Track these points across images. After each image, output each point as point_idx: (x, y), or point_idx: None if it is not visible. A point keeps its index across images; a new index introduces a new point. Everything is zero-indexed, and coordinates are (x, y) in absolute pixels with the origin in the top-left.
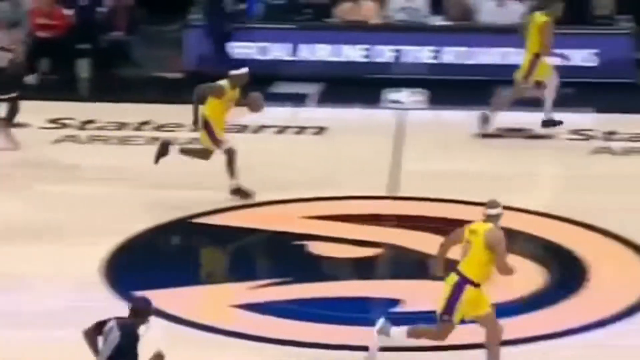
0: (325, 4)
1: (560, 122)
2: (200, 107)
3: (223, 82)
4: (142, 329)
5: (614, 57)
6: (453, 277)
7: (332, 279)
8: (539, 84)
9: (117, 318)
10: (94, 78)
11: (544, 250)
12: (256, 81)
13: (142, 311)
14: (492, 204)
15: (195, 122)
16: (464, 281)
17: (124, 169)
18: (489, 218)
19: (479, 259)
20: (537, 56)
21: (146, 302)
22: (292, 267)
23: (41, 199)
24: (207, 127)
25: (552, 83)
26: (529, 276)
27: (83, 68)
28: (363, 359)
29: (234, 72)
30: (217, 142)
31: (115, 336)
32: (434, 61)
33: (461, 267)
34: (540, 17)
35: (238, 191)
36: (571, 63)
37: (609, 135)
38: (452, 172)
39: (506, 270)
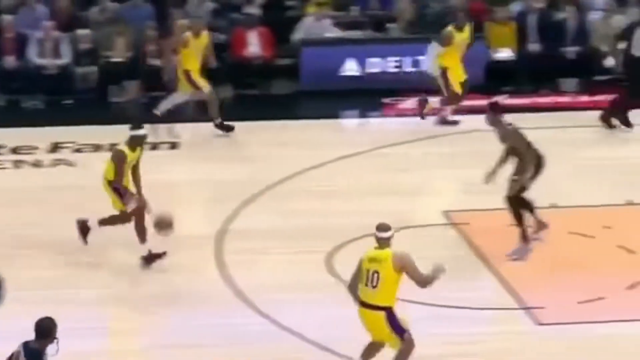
0: None
1: None
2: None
3: (122, 147)
4: (49, 349)
5: None
6: (375, 315)
7: None
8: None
9: (24, 343)
10: None
11: None
12: None
13: (47, 331)
14: (383, 227)
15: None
16: (388, 312)
17: None
18: (383, 241)
19: (390, 285)
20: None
21: (50, 321)
22: None
23: None
24: (115, 189)
25: None
26: None
27: None
28: None
29: (132, 133)
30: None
31: None
32: None
33: (375, 300)
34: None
35: (149, 258)
36: None
37: None
38: None
39: (427, 282)
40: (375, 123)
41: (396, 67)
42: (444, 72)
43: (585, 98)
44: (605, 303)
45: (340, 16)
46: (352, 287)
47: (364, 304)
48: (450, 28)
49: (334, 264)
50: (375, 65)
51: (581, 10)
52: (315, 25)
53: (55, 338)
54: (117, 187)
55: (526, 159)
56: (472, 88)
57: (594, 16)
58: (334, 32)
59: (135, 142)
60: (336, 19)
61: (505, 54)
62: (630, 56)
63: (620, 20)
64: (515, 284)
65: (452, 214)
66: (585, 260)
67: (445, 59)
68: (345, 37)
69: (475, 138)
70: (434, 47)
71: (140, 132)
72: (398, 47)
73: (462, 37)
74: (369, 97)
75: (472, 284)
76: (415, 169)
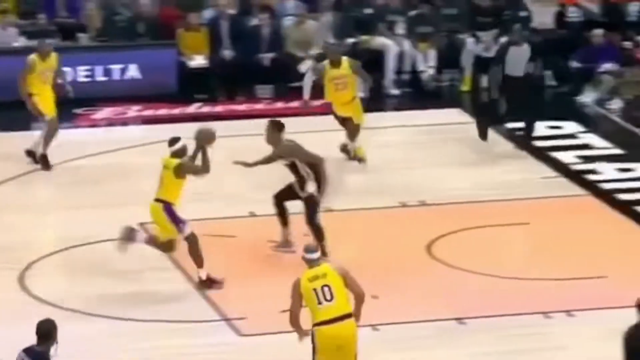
0: None
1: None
2: None
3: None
4: (52, 350)
5: None
6: (351, 322)
7: None
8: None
9: (25, 349)
10: None
11: None
12: None
13: (49, 333)
14: (311, 249)
15: None
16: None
17: None
18: (313, 262)
19: (345, 298)
20: None
21: (50, 322)
22: None
23: None
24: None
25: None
26: None
27: None
28: None
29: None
30: None
31: None
32: None
33: (344, 310)
34: None
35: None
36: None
37: None
38: None
39: (363, 293)
40: (68, 134)
41: (87, 76)
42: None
43: (280, 104)
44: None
45: (26, 25)
46: (296, 317)
47: (334, 320)
48: None
49: (26, 281)
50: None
51: (275, 16)
52: (1, 34)
53: (56, 340)
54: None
55: (319, 171)
56: (165, 97)
57: (287, 22)
58: (21, 42)
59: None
60: (22, 28)
61: (198, 61)
62: (505, 77)
63: (313, 26)
64: (215, 296)
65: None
66: (286, 268)
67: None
68: (32, 47)
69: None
70: None
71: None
72: (89, 56)
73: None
74: (60, 107)
75: (172, 296)
76: (112, 180)
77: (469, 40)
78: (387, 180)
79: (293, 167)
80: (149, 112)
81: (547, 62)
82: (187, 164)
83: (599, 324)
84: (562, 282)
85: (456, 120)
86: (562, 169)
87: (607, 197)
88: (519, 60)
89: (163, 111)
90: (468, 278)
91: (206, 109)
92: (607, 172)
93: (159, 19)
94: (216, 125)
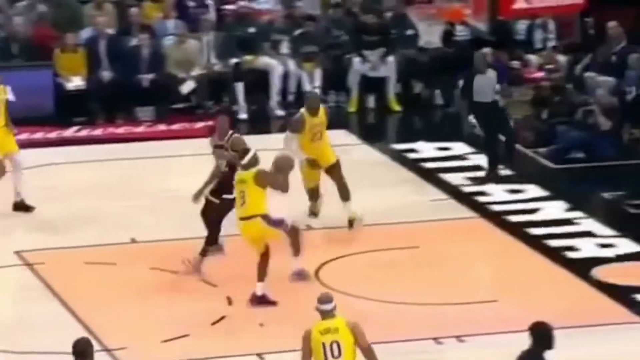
0: None
1: None
2: None
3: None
4: None
5: None
6: None
7: None
8: None
9: None
10: None
11: None
12: None
13: (83, 351)
14: (325, 299)
15: None
16: None
17: None
18: (327, 313)
19: (353, 357)
20: None
21: (85, 341)
22: None
23: None
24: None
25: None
26: None
27: None
28: None
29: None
30: None
31: None
32: None
33: None
34: None
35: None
36: None
37: None
38: None
39: (368, 346)
40: None
41: None
42: None
43: (162, 127)
44: (189, 340)
45: None
46: None
47: None
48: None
49: None
50: None
51: (154, 36)
52: None
53: (92, 358)
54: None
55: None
56: (41, 120)
57: (167, 42)
58: None
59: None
60: None
61: (75, 82)
62: (475, 104)
63: (194, 45)
64: (94, 324)
65: (26, 254)
66: (169, 296)
67: None
68: None
69: (48, 172)
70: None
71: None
72: None
73: None
74: None
75: (47, 326)
76: None
77: (355, 60)
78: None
79: (232, 169)
80: (24, 136)
81: (435, 82)
82: (267, 172)
83: (490, 348)
84: (453, 306)
85: (343, 142)
86: (452, 191)
87: (497, 219)
88: (486, 86)
89: (39, 135)
90: (356, 304)
91: (84, 132)
92: (496, 193)
93: (33, 39)
94: (95, 150)
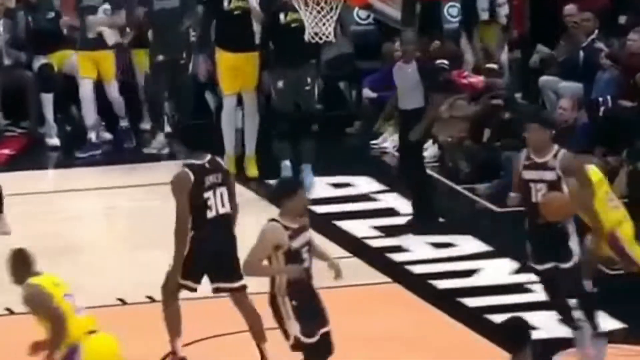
0: None
1: None
2: None
3: None
4: None
5: None
6: None
7: None
8: None
9: None
10: None
11: None
12: None
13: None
14: None
15: None
16: None
17: None
18: None
19: None
20: None
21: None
22: None
23: None
24: None
25: None
26: None
27: None
28: None
29: None
30: None
31: None
32: None
33: None
34: None
35: None
36: None
37: None
38: None
39: None
40: None
41: None
42: None
43: None
44: None
45: None
46: None
47: None
48: None
49: None
50: None
51: None
52: None
53: None
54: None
55: None
56: None
57: None
58: None
59: None
60: None
61: None
62: (400, 111)
63: None
64: None
65: None
66: None
67: None
68: None
69: None
70: None
71: None
72: None
73: None
74: None
75: None
76: None
77: None
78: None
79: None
80: None
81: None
82: None
83: None
84: None
85: None
86: (353, 245)
87: (419, 284)
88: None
89: None
90: None
91: None
92: (417, 249)
93: None
94: None
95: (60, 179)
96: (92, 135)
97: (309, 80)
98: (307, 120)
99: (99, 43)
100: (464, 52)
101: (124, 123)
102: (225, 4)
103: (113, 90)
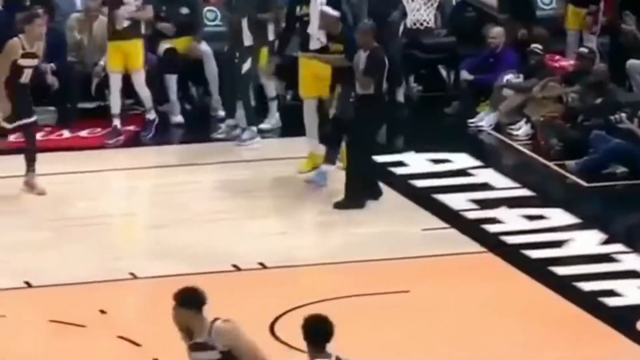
0: None
1: None
2: None
3: None
4: None
5: None
6: None
7: None
8: None
9: None
10: None
11: None
12: None
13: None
14: None
15: None
16: None
17: None
18: None
19: None
20: None
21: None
22: None
23: None
24: None
25: None
26: None
27: None
28: None
29: None
30: None
31: None
32: None
33: None
34: None
35: None
36: None
37: None
38: None
39: None
40: None
41: None
42: None
43: (66, 134)
44: None
45: None
46: None
47: None
48: None
49: None
50: None
51: (54, 12)
52: None
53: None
54: None
55: None
56: None
57: (72, 20)
58: None
59: None
60: None
61: None
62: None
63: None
64: None
65: None
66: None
67: None
68: None
69: None
70: None
71: None
72: None
73: None
74: None
75: None
76: None
77: None
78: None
79: None
80: None
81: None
82: None
83: None
84: None
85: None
86: (451, 217)
87: (512, 254)
88: None
89: None
90: None
91: None
92: (511, 220)
93: None
94: None
95: (183, 153)
96: (117, 123)
97: None
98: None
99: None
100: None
101: (150, 116)
102: (297, 9)
103: (138, 79)
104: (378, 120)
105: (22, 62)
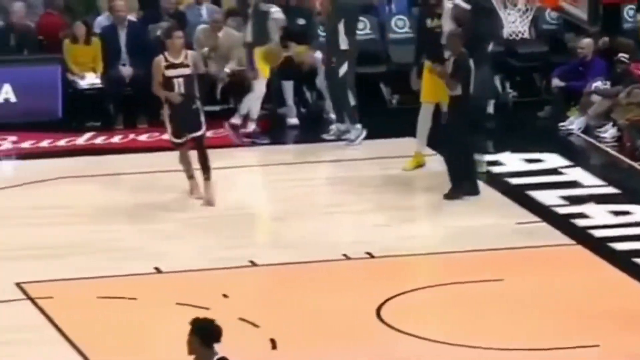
0: None
1: None
2: None
3: None
4: None
5: None
6: None
7: None
8: None
9: None
10: None
11: None
12: None
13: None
14: None
15: None
16: None
17: None
18: None
19: None
20: None
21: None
22: None
23: None
24: None
25: None
26: None
27: None
28: None
29: None
30: None
31: None
32: None
33: None
34: None
35: None
36: None
37: None
38: None
39: None
40: None
41: None
42: None
43: None
44: None
45: None
46: None
47: None
48: None
49: None
50: None
51: (185, 24)
52: None
53: None
54: None
55: None
56: (47, 125)
57: (199, 30)
58: None
59: None
60: None
61: (89, 80)
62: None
63: (231, 34)
64: None
65: (28, 287)
66: None
67: None
68: None
69: (55, 188)
70: None
71: None
72: None
73: None
74: None
75: None
76: None
77: None
78: (323, 228)
79: None
80: (26, 144)
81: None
82: None
83: None
84: (544, 352)
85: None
86: (543, 212)
87: (600, 247)
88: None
89: (44, 143)
90: (427, 348)
91: (100, 139)
92: (598, 215)
93: (38, 28)
94: (111, 161)
95: (298, 153)
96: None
97: None
98: None
99: None
100: None
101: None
102: (428, 22)
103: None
104: (466, 119)
105: (168, 72)
